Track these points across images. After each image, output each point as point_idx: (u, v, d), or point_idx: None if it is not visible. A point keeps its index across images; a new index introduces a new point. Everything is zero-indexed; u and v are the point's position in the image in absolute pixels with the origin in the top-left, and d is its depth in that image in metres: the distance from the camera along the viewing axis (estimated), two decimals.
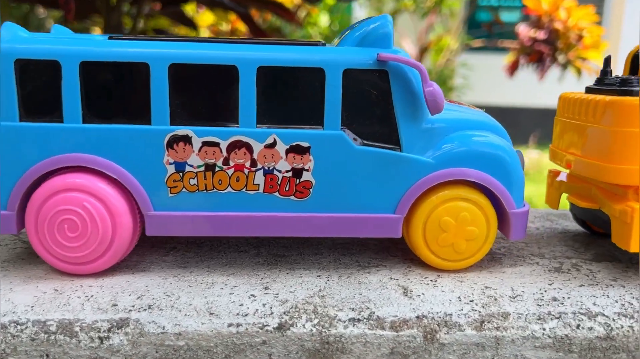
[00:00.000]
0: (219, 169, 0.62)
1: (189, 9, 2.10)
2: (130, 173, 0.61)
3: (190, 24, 1.67)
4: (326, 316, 0.56)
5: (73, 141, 0.60)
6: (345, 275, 0.65)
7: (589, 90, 0.71)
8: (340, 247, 0.73)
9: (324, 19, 3.57)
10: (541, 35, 2.96)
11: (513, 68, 3.12)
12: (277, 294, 0.60)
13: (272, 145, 0.62)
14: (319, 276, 0.65)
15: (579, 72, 2.92)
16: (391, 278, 0.65)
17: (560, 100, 0.75)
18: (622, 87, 0.64)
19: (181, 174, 0.62)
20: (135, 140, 0.61)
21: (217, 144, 0.61)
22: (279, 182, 0.62)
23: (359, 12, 5.02)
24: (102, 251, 0.61)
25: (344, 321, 0.56)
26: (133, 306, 0.57)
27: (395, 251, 0.72)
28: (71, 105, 0.60)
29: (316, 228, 0.64)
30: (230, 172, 0.62)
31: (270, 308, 0.57)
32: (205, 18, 2.28)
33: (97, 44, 0.60)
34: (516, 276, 0.66)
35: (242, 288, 0.61)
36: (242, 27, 2.57)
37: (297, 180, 0.63)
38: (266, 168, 0.62)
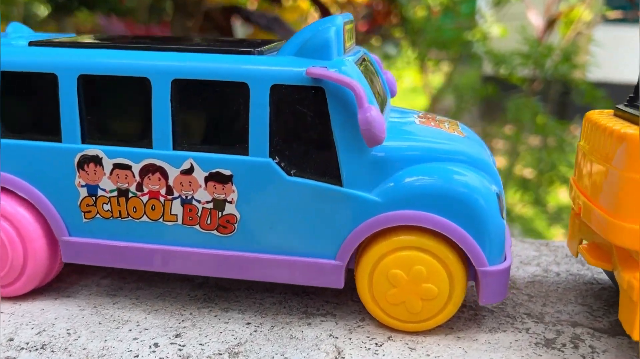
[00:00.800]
0: (132, 195, 0.54)
1: None
2: (44, 195, 0.55)
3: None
4: None
5: None
6: (281, 324, 0.56)
7: (617, 112, 0.54)
8: (297, 290, 0.63)
9: None
10: None
11: None
12: (184, 346, 0.52)
13: (189, 172, 0.53)
14: (249, 323, 0.56)
15: None
16: (331, 335, 0.54)
17: (584, 121, 0.58)
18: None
19: (94, 198, 0.55)
20: (46, 158, 0.55)
21: (129, 167, 0.54)
22: (199, 214, 0.54)
23: None
24: (14, 278, 0.57)
25: None
26: (27, 344, 0.52)
27: (358, 296, 0.61)
28: None
29: (242, 269, 0.54)
30: (145, 199, 0.54)
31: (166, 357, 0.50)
32: None
33: (9, 52, 0.54)
34: (487, 348, 0.52)
35: (152, 333, 0.54)
36: None
37: (220, 213, 0.53)
38: (184, 197, 0.53)
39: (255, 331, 0.54)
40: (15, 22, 0.66)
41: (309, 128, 0.51)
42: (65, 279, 0.63)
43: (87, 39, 0.60)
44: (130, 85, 0.52)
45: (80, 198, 0.55)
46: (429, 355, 0.51)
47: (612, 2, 4.31)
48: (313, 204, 0.52)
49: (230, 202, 0.53)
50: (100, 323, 0.55)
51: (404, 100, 4.32)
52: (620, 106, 0.54)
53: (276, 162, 0.52)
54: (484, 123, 3.15)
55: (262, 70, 0.50)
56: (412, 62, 3.50)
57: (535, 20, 3.41)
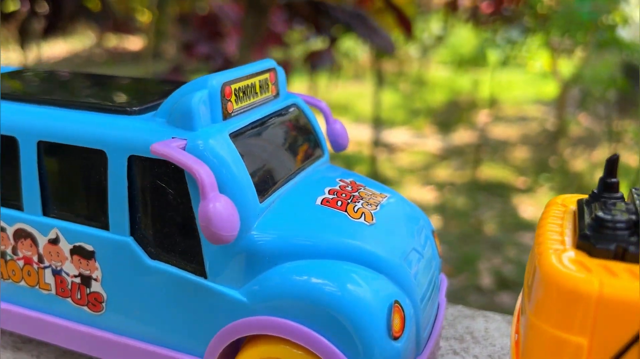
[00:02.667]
0: (10, 258, 0.50)
1: None
2: None
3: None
4: None
5: None
6: None
7: (579, 204, 0.40)
8: None
9: None
10: None
11: None
12: None
13: (56, 242, 0.47)
14: None
15: None
16: None
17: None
18: (585, 232, 0.34)
19: None
20: None
21: (4, 229, 0.49)
22: (69, 287, 0.48)
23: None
24: None
25: None
26: None
27: None
28: None
29: (111, 352, 0.48)
30: (21, 263, 0.50)
31: None
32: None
33: None
34: None
35: None
36: None
37: (88, 289, 0.48)
38: (54, 267, 0.48)
39: None
40: None
41: (170, 207, 0.43)
42: None
43: None
44: (3, 144, 0.48)
45: None
46: None
47: None
48: (176, 294, 0.44)
49: (95, 280, 0.47)
50: None
51: (533, 86, 3.99)
52: (585, 199, 0.40)
53: (137, 242, 0.44)
54: (614, 115, 2.82)
55: (120, 136, 0.43)
56: (540, 47, 3.20)
57: None
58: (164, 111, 0.44)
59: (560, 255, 0.34)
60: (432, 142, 3.07)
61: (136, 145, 0.43)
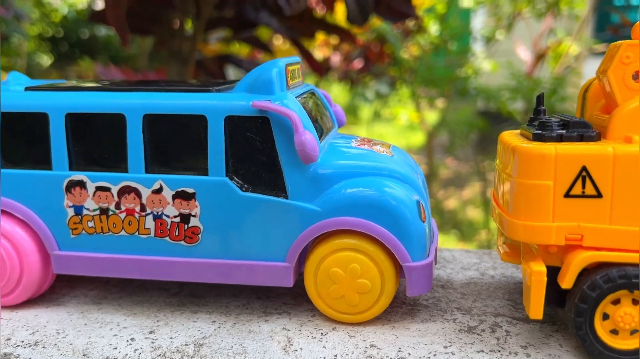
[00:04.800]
0: (112, 213, 0.64)
1: (263, 34, 2.16)
2: (37, 215, 0.65)
3: (266, 48, 1.71)
4: None
5: None
6: (242, 321, 0.64)
7: (521, 131, 0.64)
8: (264, 289, 0.72)
9: (434, 28, 3.49)
10: None
11: None
12: (156, 339, 0.61)
13: (159, 191, 0.62)
14: (214, 321, 0.64)
15: None
16: (284, 328, 0.63)
17: (498, 142, 0.68)
18: (535, 131, 0.57)
19: (80, 217, 0.65)
20: (40, 184, 0.65)
21: (108, 189, 0.63)
22: (168, 227, 0.63)
23: (478, 18, 4.83)
24: (12, 288, 0.66)
25: None
26: (22, 342, 0.61)
27: None
28: None
29: (206, 273, 0.64)
30: (123, 216, 0.64)
31: (139, 354, 0.58)
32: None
33: (8, 96, 0.65)
34: (416, 334, 0.61)
35: (130, 330, 0.63)
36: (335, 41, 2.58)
37: (186, 226, 0.63)
38: (155, 213, 0.63)
39: (219, 327, 0.63)
40: (13, 71, 0.77)
41: (258, 151, 0.61)
42: (57, 291, 0.72)
43: (76, 83, 0.71)
44: (108, 120, 0.62)
45: (68, 217, 0.65)
46: (365, 341, 0.60)
47: (600, 36, 4.46)
48: (264, 215, 0.61)
49: (194, 216, 0.62)
50: (85, 324, 0.64)
51: (402, 137, 4.43)
52: (523, 126, 0.64)
53: (231, 180, 0.61)
54: (478, 156, 3.25)
55: (217, 104, 0.61)
56: (406, 100, 3.62)
57: (524, 55, 3.55)
58: (242, 86, 0.62)
59: (528, 143, 0.56)
60: None
61: (231, 108, 0.60)
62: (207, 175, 0.62)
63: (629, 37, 0.59)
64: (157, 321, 0.65)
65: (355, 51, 2.98)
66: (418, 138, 4.16)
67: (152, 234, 0.64)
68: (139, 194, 0.63)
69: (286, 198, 0.61)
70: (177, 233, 0.63)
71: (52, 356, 0.58)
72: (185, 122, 0.61)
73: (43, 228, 0.65)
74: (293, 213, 0.61)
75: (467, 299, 0.69)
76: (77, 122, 0.63)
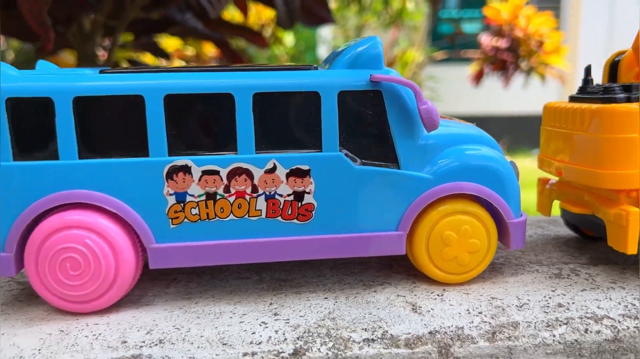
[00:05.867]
0: (220, 197, 0.61)
1: (161, 40, 2.09)
2: (131, 207, 0.60)
3: (164, 55, 1.66)
4: (340, 339, 0.56)
5: (70, 178, 0.59)
6: (352, 295, 0.65)
7: (572, 99, 0.73)
8: (342, 267, 0.73)
9: (289, 39, 3.59)
10: (503, 43, 3.03)
11: (478, 77, 3.19)
12: (288, 319, 0.60)
13: (272, 170, 0.62)
14: (327, 298, 0.65)
15: (542, 77, 2.99)
16: (398, 296, 0.65)
17: (545, 110, 0.76)
18: (605, 95, 0.66)
19: (182, 204, 0.61)
20: (133, 173, 0.60)
21: (217, 172, 0.61)
22: (281, 206, 0.62)
23: (324, 31, 5.06)
24: (106, 288, 0.60)
25: (359, 342, 0.56)
26: (143, 342, 0.56)
27: (398, 268, 0.73)
28: (66, 141, 0.59)
29: (320, 250, 0.64)
30: (232, 199, 0.62)
31: (283, 334, 0.57)
32: (170, 43, 2.27)
33: (89, 79, 0.60)
34: (519, 284, 0.67)
35: (252, 316, 0.61)
36: (208, 50, 2.57)
37: (299, 204, 0.63)
38: (267, 193, 0.62)
39: (336, 302, 0.64)
40: (41, 60, 0.70)
41: (370, 124, 0.63)
42: (133, 294, 0.67)
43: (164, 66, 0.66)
44: (215, 101, 0.60)
45: (169, 206, 0.61)
46: (482, 295, 0.64)
47: (436, 44, 4.91)
48: (377, 186, 0.63)
49: (308, 193, 0.62)
50: (198, 317, 0.61)
51: None
52: (574, 95, 0.73)
53: (345, 155, 0.62)
54: None
55: (330, 80, 0.62)
56: None
57: None
58: (344, 63, 0.64)
59: (609, 104, 0.65)
60: None
61: (344, 83, 0.62)
62: (320, 151, 0.62)
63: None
64: (270, 305, 0.63)
65: (210, 62, 2.99)
66: None
67: (264, 215, 0.62)
68: (250, 175, 0.61)
69: (398, 168, 0.64)
70: (289, 212, 0.63)
71: (189, 350, 0.55)
72: (296, 100, 0.61)
73: (138, 220, 0.61)
74: (405, 183, 0.64)
75: (529, 254, 0.77)
76: (177, 104, 0.60)
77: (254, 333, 0.57)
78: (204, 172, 0.61)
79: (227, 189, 0.61)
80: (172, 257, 0.62)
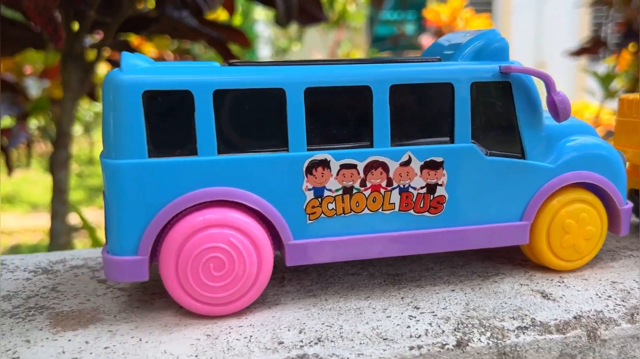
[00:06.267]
0: (356, 191, 0.60)
1: (134, 40, 2.00)
2: (270, 203, 0.58)
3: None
4: (495, 328, 0.57)
5: (209, 174, 0.57)
6: (476, 286, 0.66)
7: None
8: (445, 260, 0.74)
9: None
10: None
11: None
12: (434, 312, 0.59)
13: (407, 163, 0.61)
14: (453, 290, 0.65)
15: None
16: (522, 285, 0.66)
17: (622, 102, 0.80)
18: None
19: (320, 199, 0.60)
20: (273, 168, 0.58)
21: (354, 166, 0.60)
22: (413, 199, 0.62)
23: (265, 31, 5.04)
24: (247, 288, 0.58)
25: (514, 331, 0.57)
26: (302, 342, 0.54)
27: (499, 259, 0.74)
28: (206, 137, 0.56)
29: (449, 242, 0.64)
30: (367, 193, 0.61)
31: (439, 326, 0.57)
32: (147, 49, 2.20)
33: (226, 72, 0.57)
34: (626, 269, 0.69)
35: (394, 310, 0.60)
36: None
37: (431, 196, 0.62)
38: (401, 186, 0.61)
39: (466, 294, 0.64)
40: (124, 52, 0.66)
41: (499, 115, 0.63)
42: None
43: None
44: (351, 94, 0.59)
45: (307, 201, 0.59)
46: (600, 280, 0.66)
47: (377, 46, 5.00)
48: (505, 177, 0.64)
49: (441, 185, 0.62)
50: (340, 314, 0.59)
51: None
52: None
53: (477, 146, 0.63)
54: None
55: (463, 72, 0.62)
56: None
57: None
58: (464, 56, 0.64)
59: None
60: None
61: (476, 74, 0.62)
62: (453, 142, 0.62)
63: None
64: (402, 299, 0.63)
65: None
66: None
67: (397, 209, 0.62)
68: (386, 168, 0.61)
69: (524, 158, 0.65)
70: (422, 205, 0.62)
71: (352, 347, 0.54)
72: (430, 91, 0.61)
73: (278, 217, 0.59)
74: (531, 173, 0.65)
75: (611, 241, 0.80)
76: (316, 98, 0.59)
77: (408, 326, 0.57)
78: (342, 166, 0.60)
79: (363, 183, 0.60)
80: (309, 253, 0.60)
